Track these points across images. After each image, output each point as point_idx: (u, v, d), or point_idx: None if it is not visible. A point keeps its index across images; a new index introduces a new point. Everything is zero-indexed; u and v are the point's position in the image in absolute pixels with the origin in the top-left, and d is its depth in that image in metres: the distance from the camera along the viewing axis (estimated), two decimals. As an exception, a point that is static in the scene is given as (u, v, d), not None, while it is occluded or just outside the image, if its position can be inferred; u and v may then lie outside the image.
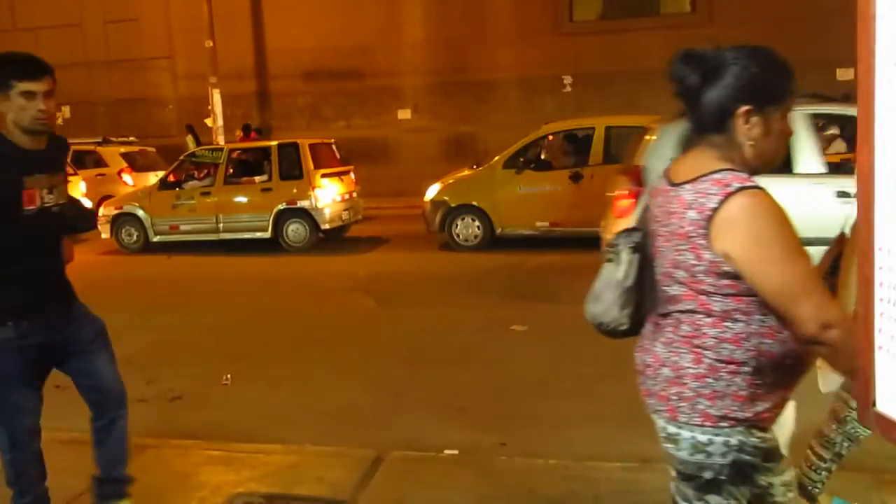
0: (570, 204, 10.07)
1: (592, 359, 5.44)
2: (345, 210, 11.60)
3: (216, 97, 16.82)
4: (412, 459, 3.71)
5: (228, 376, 5.29)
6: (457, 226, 10.54)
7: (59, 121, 20.32)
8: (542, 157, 10.98)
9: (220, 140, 16.08)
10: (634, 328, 1.99)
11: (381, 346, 6.12)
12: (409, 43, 17.93)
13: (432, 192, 10.81)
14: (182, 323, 7.06)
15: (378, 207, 13.96)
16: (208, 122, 16.90)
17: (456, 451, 3.81)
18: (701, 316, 1.78)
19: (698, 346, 1.78)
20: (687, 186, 1.76)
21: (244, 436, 4.12)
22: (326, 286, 8.77)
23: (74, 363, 2.92)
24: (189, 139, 17.09)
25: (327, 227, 11.12)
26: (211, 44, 16.58)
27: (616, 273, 1.94)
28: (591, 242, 10.10)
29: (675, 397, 1.82)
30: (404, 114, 18.31)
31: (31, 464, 2.86)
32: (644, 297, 1.95)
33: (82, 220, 3.12)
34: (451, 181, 10.97)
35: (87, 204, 2.92)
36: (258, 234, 11.29)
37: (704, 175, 1.73)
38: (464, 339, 6.21)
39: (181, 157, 12.29)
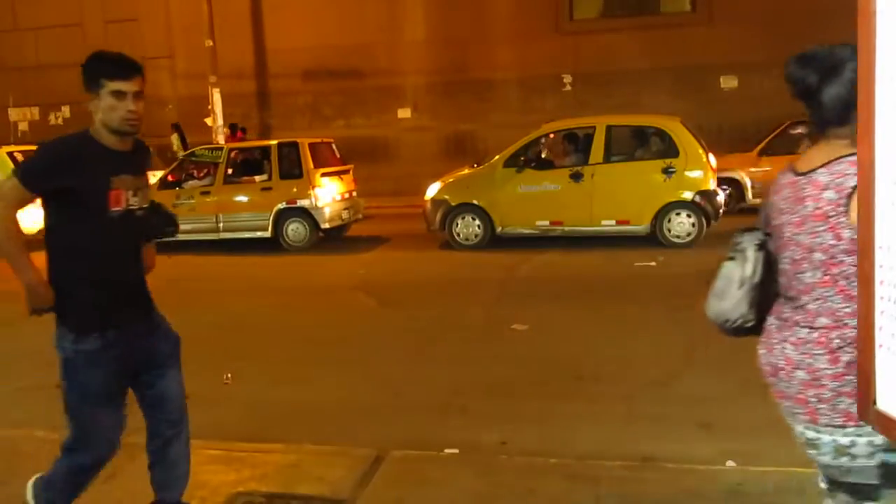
0: (570, 203, 10.07)
1: (592, 358, 5.44)
2: (345, 209, 11.60)
3: (216, 97, 16.81)
4: (412, 459, 3.71)
5: (229, 375, 5.29)
6: (457, 225, 10.53)
7: (59, 121, 20.39)
8: (543, 155, 10.98)
9: (220, 140, 16.08)
10: (759, 326, 2.00)
11: (381, 345, 6.11)
12: (409, 42, 17.92)
13: (432, 190, 10.80)
14: (182, 322, 6.97)
15: (378, 206, 13.95)
16: (208, 121, 16.90)
17: (456, 451, 3.81)
18: (839, 303, 1.76)
19: (836, 339, 1.77)
20: (821, 170, 1.78)
21: (244, 435, 4.12)
22: (326, 285, 8.76)
23: (148, 377, 2.80)
24: (174, 138, 17.16)
25: (327, 226, 11.11)
26: (211, 43, 16.57)
27: (743, 270, 1.96)
28: (591, 242, 10.16)
29: (813, 399, 1.80)
30: (404, 113, 18.29)
31: (92, 479, 2.77)
32: (768, 296, 1.97)
33: (167, 225, 2.99)
34: (451, 180, 10.96)
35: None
36: (258, 234, 11.28)
37: (839, 158, 1.76)
38: (464, 337, 6.20)
39: (181, 157, 12.27)
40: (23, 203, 2.55)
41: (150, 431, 2.89)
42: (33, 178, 2.55)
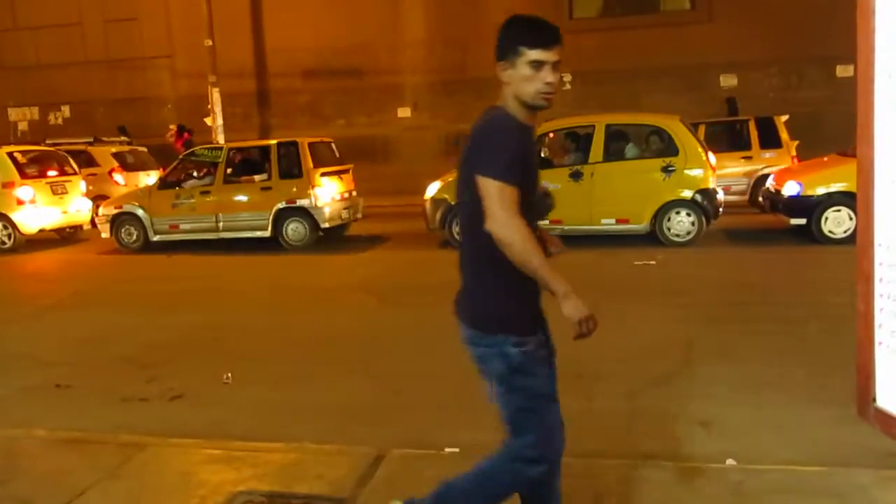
0: (570, 202, 10.06)
1: (593, 356, 5.43)
2: (344, 208, 11.60)
3: (216, 96, 16.81)
4: (413, 457, 3.70)
5: (229, 375, 5.28)
6: (457, 224, 10.51)
7: (59, 120, 20.39)
8: (542, 154, 10.97)
9: (220, 139, 16.08)
10: None
11: (382, 344, 6.11)
12: (408, 41, 17.91)
13: (432, 189, 10.79)
14: (182, 322, 7.05)
15: (378, 205, 13.94)
16: (208, 120, 16.91)
17: (457, 449, 3.81)
18: None
19: None
20: None
21: (245, 434, 4.12)
22: (326, 285, 8.76)
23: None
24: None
25: (327, 225, 11.11)
26: (210, 42, 16.57)
27: None
28: (591, 240, 10.15)
29: None
30: (404, 112, 18.30)
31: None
32: None
33: (546, 198, 2.77)
34: (451, 179, 10.94)
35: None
36: (258, 233, 11.28)
37: None
38: (464, 337, 6.19)
39: (181, 157, 12.29)
40: (518, 203, 2.26)
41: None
42: (512, 171, 2.25)
